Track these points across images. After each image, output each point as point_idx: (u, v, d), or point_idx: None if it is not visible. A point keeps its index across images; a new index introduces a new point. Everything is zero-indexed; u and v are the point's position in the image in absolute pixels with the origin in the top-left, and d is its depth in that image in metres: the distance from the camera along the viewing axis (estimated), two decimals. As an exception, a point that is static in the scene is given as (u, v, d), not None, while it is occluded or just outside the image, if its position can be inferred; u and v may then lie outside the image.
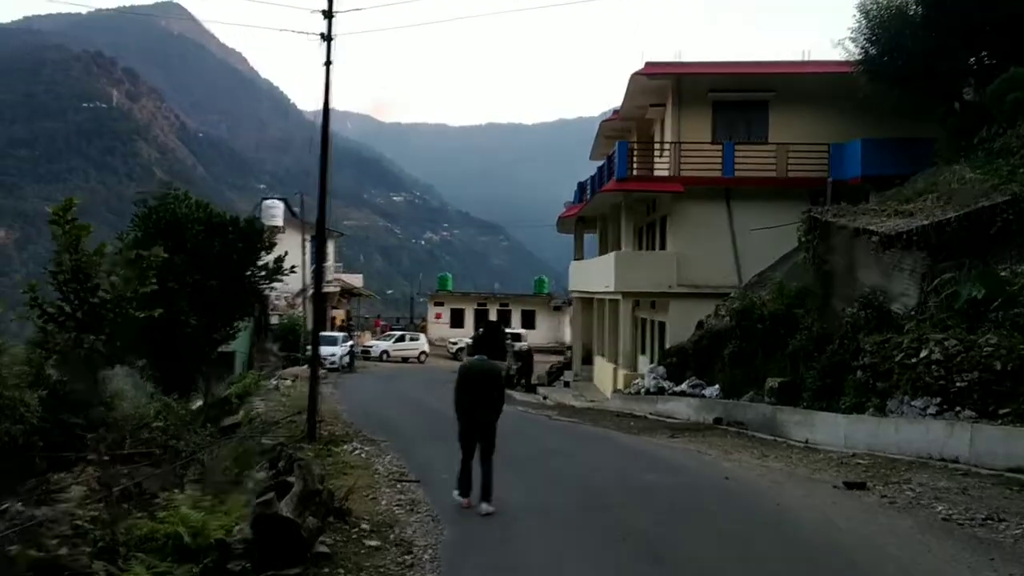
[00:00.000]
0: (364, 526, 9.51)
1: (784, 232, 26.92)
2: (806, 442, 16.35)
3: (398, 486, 12.18)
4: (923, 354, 14.89)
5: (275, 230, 49.99)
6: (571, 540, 9.03)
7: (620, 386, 27.43)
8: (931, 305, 16.53)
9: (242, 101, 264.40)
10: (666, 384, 23.97)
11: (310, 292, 51.35)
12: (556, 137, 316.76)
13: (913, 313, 16.72)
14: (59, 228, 6.95)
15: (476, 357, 10.69)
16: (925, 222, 17.50)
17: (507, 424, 20.15)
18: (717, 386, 22.26)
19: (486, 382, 10.33)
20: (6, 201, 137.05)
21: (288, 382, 32.04)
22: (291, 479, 8.61)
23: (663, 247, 29.83)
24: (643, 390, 24.87)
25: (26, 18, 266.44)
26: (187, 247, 17.99)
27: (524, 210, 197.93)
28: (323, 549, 8.32)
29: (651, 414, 23.08)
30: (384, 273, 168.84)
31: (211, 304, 18.26)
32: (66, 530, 7.99)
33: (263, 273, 19.98)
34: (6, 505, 10.53)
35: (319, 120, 17.16)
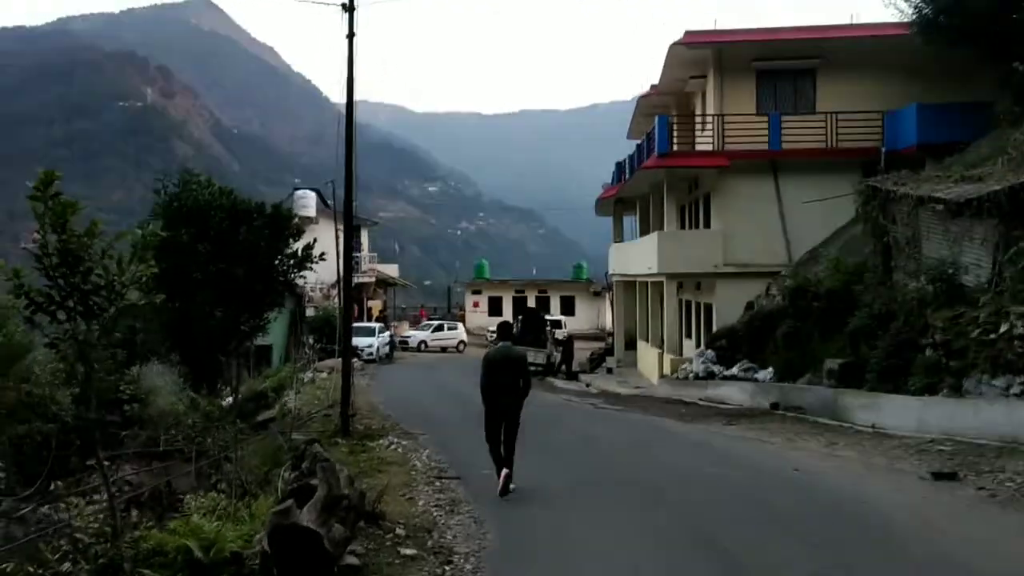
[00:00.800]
0: (399, 531, 8.61)
1: (835, 206, 25.71)
2: (873, 427, 15.20)
3: (437, 484, 11.28)
4: (1003, 329, 13.65)
5: (307, 220, 49.62)
6: (634, 547, 7.99)
7: (666, 371, 26.32)
8: (1007, 276, 15.22)
9: (275, 96, 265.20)
10: (716, 368, 22.83)
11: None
12: (590, 122, 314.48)
13: (987, 286, 15.43)
14: (40, 205, 6.00)
15: (500, 344, 11.16)
16: (997, 187, 16.17)
17: (550, 413, 19.20)
18: (770, 369, 21.09)
19: (509, 368, 10.68)
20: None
21: (324, 375, 31.33)
22: (315, 482, 7.69)
23: (707, 226, 28.61)
24: (691, 375, 23.75)
25: (60, 20, 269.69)
26: (210, 235, 17.20)
27: (559, 196, 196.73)
28: (352, 560, 7.40)
29: (701, 400, 21.97)
30: (421, 264, 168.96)
31: (237, 294, 17.42)
32: (65, 544, 7.17)
33: (292, 261, 19.11)
34: (27, 508, 9.84)
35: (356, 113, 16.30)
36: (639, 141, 35.12)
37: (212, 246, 17.37)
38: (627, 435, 15.32)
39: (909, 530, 8.11)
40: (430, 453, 14.02)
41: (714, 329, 26.69)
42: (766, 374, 21.03)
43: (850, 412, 16.27)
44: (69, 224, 6.56)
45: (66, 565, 7.09)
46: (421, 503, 10.06)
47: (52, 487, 10.52)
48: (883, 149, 25.57)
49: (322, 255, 18.95)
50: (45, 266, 6.58)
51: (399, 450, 14.26)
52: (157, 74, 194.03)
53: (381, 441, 15.28)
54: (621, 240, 38.60)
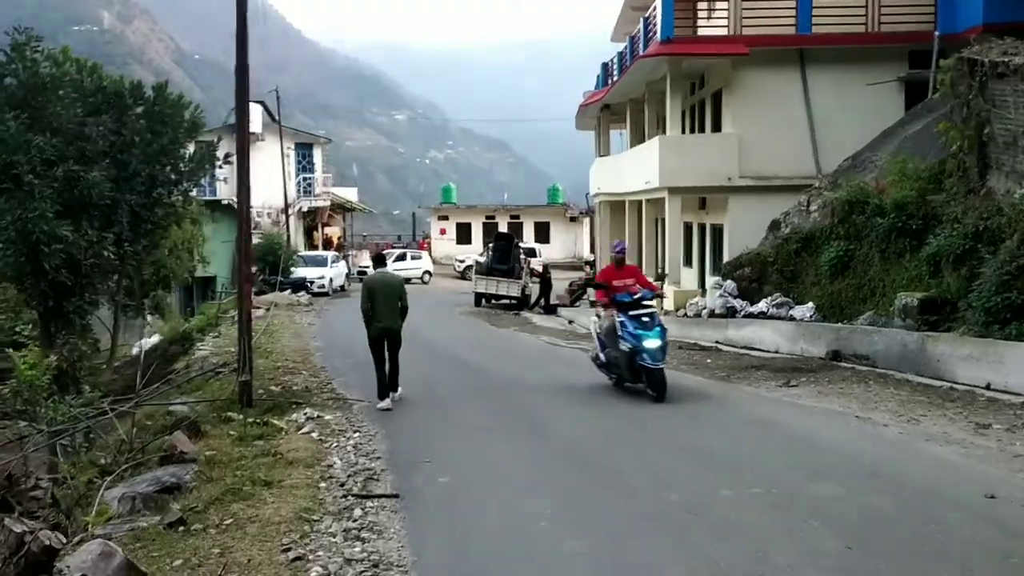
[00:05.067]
0: None
1: (875, 104, 21.20)
2: (988, 387, 10.78)
3: (354, 514, 6.59)
4: None
5: (252, 136, 44.10)
6: None
7: (668, 307, 21.75)
8: None
9: (260, 31, 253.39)
10: (738, 303, 18.26)
11: (297, 207, 45.63)
12: (560, 51, 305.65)
13: None
14: None
15: (377, 271, 11.97)
16: None
17: (535, 365, 14.59)
18: (810, 305, 16.56)
19: (389, 293, 11.33)
20: None
21: (260, 311, 26.45)
22: None
23: (717, 131, 23.83)
24: (704, 311, 19.18)
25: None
26: (52, 125, 12.08)
27: (530, 125, 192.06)
28: None
29: (721, 343, 17.48)
30: (389, 194, 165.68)
31: (95, 207, 12.43)
32: None
33: (184, 167, 14.12)
34: None
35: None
36: (622, 46, 30.05)
37: (61, 140, 12.28)
38: (650, 409, 10.63)
39: None
40: (361, 438, 9.37)
41: (725, 255, 22.12)
42: (805, 311, 16.49)
43: (947, 365, 11.79)
44: None
45: None
46: None
47: None
48: (937, 33, 20.78)
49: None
50: None
51: (315, 433, 9.54)
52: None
53: (295, 416, 10.55)
54: (608, 154, 33.61)
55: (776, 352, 15.76)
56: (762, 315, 17.37)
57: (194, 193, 17.88)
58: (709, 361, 14.60)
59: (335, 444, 9.10)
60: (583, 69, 42.86)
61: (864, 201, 15.78)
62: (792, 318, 16.60)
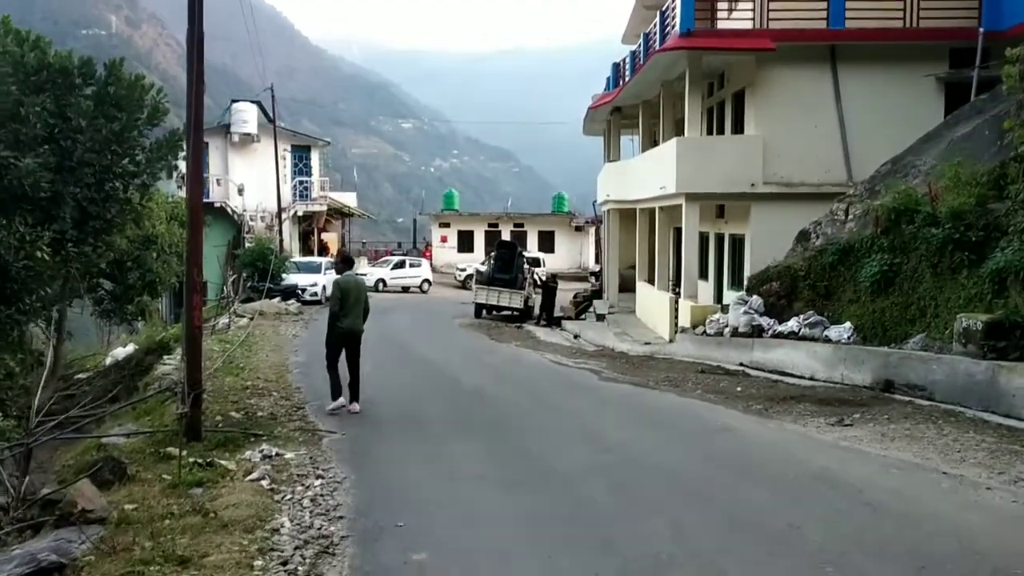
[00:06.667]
0: None
1: (912, 106, 19.52)
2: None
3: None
4: None
5: (247, 138, 42.38)
6: None
7: (684, 323, 19.93)
8: None
9: (245, 27, 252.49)
10: (764, 321, 16.43)
11: (292, 211, 43.81)
12: (566, 60, 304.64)
13: None
14: None
15: (347, 273, 11.98)
16: None
17: (534, 390, 12.80)
18: (848, 325, 14.72)
19: (359, 296, 11.56)
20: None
21: (243, 320, 24.67)
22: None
23: (737, 134, 22.05)
24: (726, 330, 17.35)
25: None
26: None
27: (535, 135, 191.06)
28: None
29: (747, 367, 15.68)
30: (394, 201, 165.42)
31: (36, 202, 10.66)
32: None
33: (141, 157, 12.38)
34: None
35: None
36: (634, 47, 28.34)
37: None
38: (682, 454, 8.78)
39: None
40: (322, 487, 7.55)
41: (746, 268, 20.32)
42: (842, 331, 14.65)
43: (1026, 401, 9.99)
44: None
45: None
46: None
47: None
48: (981, 29, 19.04)
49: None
50: None
51: (267, 480, 7.72)
52: (122, 1, 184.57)
53: (248, 454, 8.74)
54: (618, 159, 31.79)
55: (812, 379, 13.95)
56: (792, 335, 15.53)
57: (164, 187, 16.13)
58: (739, 390, 12.75)
59: (289, 496, 7.29)
60: (591, 77, 41.31)
61: (913, 209, 13.97)
62: (828, 339, 14.77)
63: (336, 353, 11.46)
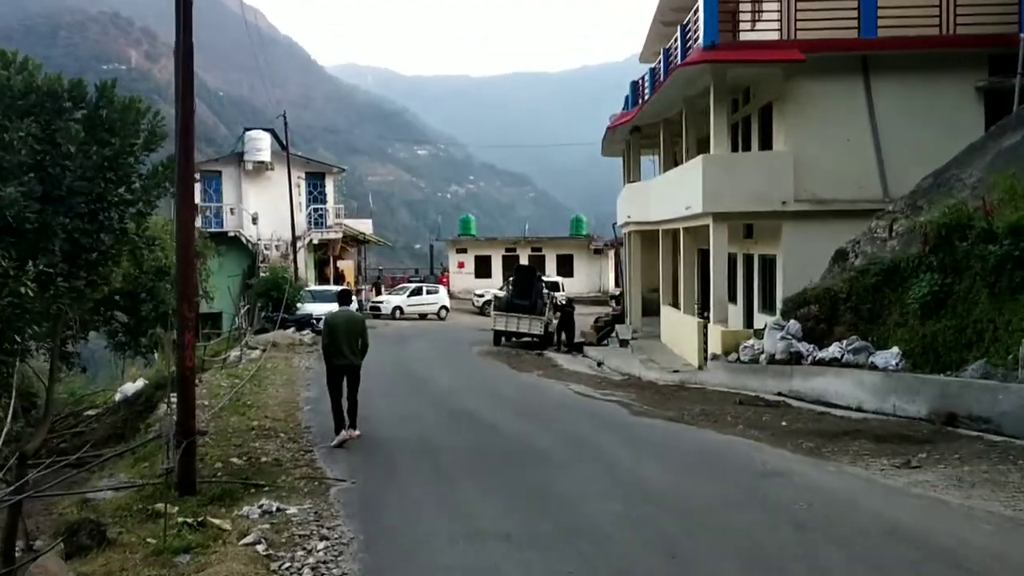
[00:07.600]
0: None
1: (950, 117, 18.62)
2: None
3: None
4: None
5: (261, 166, 41.79)
6: None
7: (716, 349, 18.91)
8: None
9: (261, 59, 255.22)
10: (803, 347, 15.40)
11: (308, 239, 43.12)
12: (580, 84, 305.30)
13: None
14: None
15: (340, 309, 12.20)
16: None
17: (565, 430, 11.90)
18: (895, 351, 13.67)
19: (351, 331, 11.56)
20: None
21: (256, 352, 23.83)
22: None
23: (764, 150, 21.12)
24: (762, 356, 16.34)
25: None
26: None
27: (550, 159, 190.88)
28: None
29: (786, 396, 14.67)
30: (411, 228, 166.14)
31: (22, 233, 9.90)
32: None
33: (137, 183, 11.62)
34: None
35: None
36: (653, 64, 27.51)
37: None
38: (732, 505, 7.77)
39: None
40: (326, 551, 6.62)
41: (779, 290, 19.34)
42: (889, 357, 13.60)
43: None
44: None
45: None
46: None
47: None
48: (1022, 35, 18.08)
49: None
50: None
51: (263, 544, 6.79)
52: (142, 36, 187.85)
53: (246, 509, 7.83)
54: (638, 179, 30.88)
55: (859, 409, 12.92)
56: (835, 361, 14.50)
57: (162, 213, 15.45)
58: (784, 424, 11.72)
59: (288, 564, 6.36)
60: (603, 102, 40.60)
61: (966, 225, 12.98)
62: (873, 366, 13.73)
63: (336, 386, 11.48)
